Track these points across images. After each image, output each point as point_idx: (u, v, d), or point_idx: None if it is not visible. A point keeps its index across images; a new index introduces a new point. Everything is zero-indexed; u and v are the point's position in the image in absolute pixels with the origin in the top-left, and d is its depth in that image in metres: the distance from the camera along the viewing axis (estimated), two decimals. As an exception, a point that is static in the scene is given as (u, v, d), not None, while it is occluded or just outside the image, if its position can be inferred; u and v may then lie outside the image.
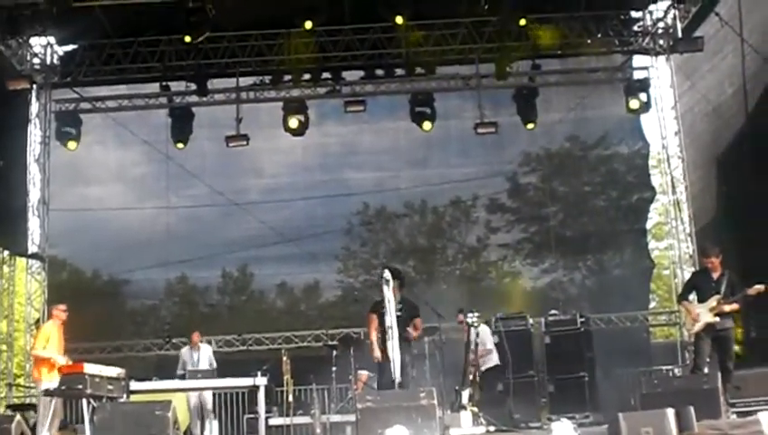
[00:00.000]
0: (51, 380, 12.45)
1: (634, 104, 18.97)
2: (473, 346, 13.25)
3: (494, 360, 14.86)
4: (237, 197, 19.73)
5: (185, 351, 15.84)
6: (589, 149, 20.43)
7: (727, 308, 12.08)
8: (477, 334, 13.56)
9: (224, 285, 20.68)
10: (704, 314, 12.18)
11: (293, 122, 18.91)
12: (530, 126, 19.30)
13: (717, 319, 12.06)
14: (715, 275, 12.32)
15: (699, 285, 12.62)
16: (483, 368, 14.26)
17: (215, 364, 15.41)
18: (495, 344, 15.16)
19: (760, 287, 11.91)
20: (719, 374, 11.05)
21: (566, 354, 15.85)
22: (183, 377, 14.58)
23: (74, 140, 19.11)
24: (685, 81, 19.35)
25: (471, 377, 12.90)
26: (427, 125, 19.09)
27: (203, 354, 15.60)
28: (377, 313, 11.96)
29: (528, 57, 19.00)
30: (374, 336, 12.15)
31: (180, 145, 19.25)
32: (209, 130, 19.51)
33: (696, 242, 18.64)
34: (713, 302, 12.10)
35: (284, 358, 14.64)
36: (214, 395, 15.65)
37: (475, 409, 12.07)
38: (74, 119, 19.28)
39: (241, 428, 16.14)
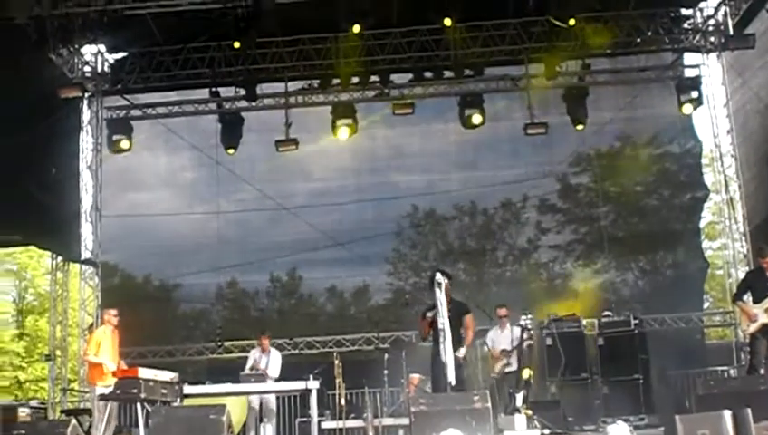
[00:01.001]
0: (104, 385, 12.57)
1: (687, 109, 18.89)
2: (523, 345, 13.18)
3: (512, 364, 14.52)
4: (286, 201, 19.76)
5: (253, 353, 15.66)
6: (640, 148, 20.21)
7: (783, 308, 11.97)
8: (531, 336, 13.52)
9: (273, 289, 20.67)
10: (760, 314, 12.07)
11: (342, 126, 18.96)
12: (580, 126, 19.18)
13: (774, 319, 11.96)
14: (771, 275, 12.20)
15: (754, 285, 12.50)
16: (505, 371, 14.25)
17: (278, 372, 15.14)
18: (548, 346, 15.05)
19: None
20: (776, 375, 10.93)
21: (620, 356, 15.66)
22: None
23: (128, 139, 19.34)
24: (736, 78, 19.09)
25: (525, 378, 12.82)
26: (477, 118, 18.94)
27: (272, 360, 15.25)
28: (428, 316, 11.98)
29: (577, 57, 18.84)
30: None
31: (231, 151, 19.39)
32: (258, 134, 19.57)
33: (751, 241, 18.40)
34: (768, 302, 12.01)
35: (336, 361, 14.63)
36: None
37: (530, 411, 11.98)
38: (125, 126, 19.49)
39: (293, 431, 16.18)
